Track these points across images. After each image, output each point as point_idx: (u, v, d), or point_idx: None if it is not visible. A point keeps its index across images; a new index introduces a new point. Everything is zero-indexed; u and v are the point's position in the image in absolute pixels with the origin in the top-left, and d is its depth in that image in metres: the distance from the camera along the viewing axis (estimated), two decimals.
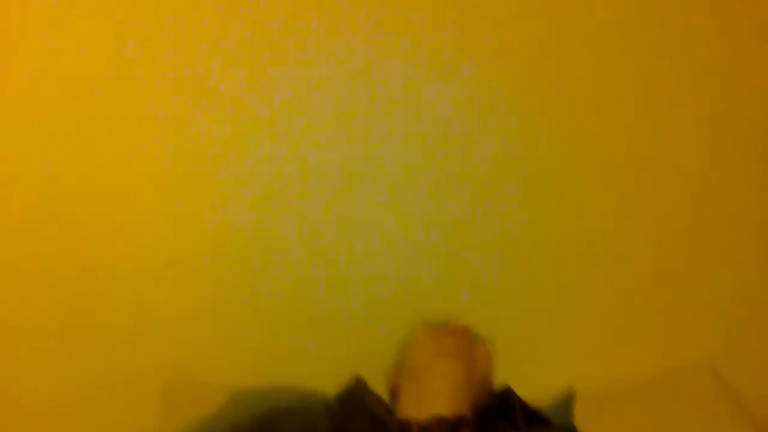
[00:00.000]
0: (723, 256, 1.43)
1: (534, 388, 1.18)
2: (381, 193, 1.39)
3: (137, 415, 1.28)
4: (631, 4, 1.36)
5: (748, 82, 1.39)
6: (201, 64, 1.32)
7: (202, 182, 1.36)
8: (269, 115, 1.35)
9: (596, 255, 1.42)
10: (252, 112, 1.35)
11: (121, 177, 1.35)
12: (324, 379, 1.15)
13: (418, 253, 1.41)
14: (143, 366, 1.35)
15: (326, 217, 1.39)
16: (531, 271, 1.43)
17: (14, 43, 1.30)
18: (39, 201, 1.34)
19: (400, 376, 1.10)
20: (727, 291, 1.42)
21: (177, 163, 1.35)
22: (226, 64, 1.32)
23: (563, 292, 1.43)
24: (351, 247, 1.40)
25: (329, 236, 1.39)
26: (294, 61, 1.33)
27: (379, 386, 1.11)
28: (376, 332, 1.37)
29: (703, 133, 1.41)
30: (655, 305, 1.43)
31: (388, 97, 1.36)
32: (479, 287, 1.42)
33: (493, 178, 1.39)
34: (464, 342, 1.09)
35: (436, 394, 0.99)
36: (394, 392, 1.08)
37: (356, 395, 1.01)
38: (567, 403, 1.27)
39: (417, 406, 0.96)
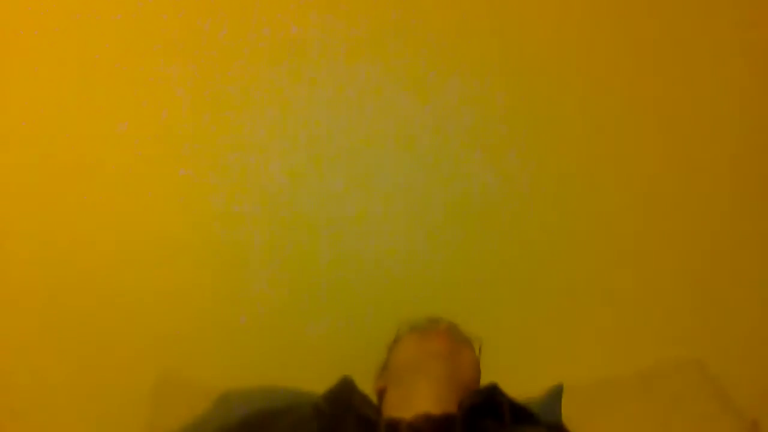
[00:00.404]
0: (710, 254, 1.43)
1: (524, 385, 1.19)
2: (376, 194, 1.39)
3: (127, 416, 1.27)
4: (631, 4, 1.38)
5: (748, 81, 1.40)
6: (209, 67, 1.34)
7: (197, 184, 1.37)
8: (269, 115, 1.36)
9: (586, 254, 1.43)
10: (253, 111, 1.35)
11: (118, 178, 1.35)
12: (313, 380, 1.15)
13: (410, 254, 1.41)
14: (132, 367, 1.34)
15: (320, 217, 1.39)
16: (521, 269, 1.42)
17: (15, 42, 1.31)
18: (38, 200, 1.35)
19: (387, 377, 1.11)
20: (715, 289, 1.43)
21: (178, 168, 1.36)
22: (232, 67, 1.34)
23: (553, 290, 1.42)
24: (342, 247, 1.39)
25: (321, 237, 1.39)
26: (295, 61, 1.35)
27: (367, 387, 1.12)
28: (365, 332, 1.37)
29: (691, 131, 1.41)
30: (643, 303, 1.43)
31: (390, 97, 1.36)
32: (470, 286, 1.42)
33: (485, 180, 1.40)
34: (449, 341, 1.09)
35: (423, 394, 0.99)
36: (380, 394, 1.08)
37: (344, 395, 1.01)
38: (554, 397, 1.28)
39: (404, 406, 0.97)
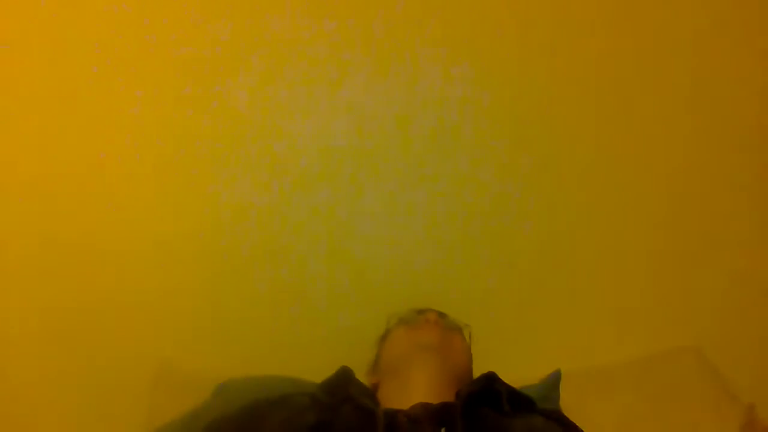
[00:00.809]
0: (708, 241, 1.44)
1: (522, 372, 1.20)
2: (376, 189, 1.39)
3: (125, 407, 1.28)
4: (631, 4, 1.37)
5: (747, 82, 1.41)
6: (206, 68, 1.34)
7: (195, 180, 1.37)
8: (269, 115, 1.36)
9: (583, 241, 1.43)
10: (254, 112, 1.36)
11: (116, 175, 1.36)
12: (311, 370, 1.15)
13: (410, 245, 1.41)
14: (130, 358, 1.34)
15: (318, 211, 1.39)
16: (519, 257, 1.43)
17: (15, 43, 1.31)
18: (37, 199, 1.35)
19: (379, 371, 1.11)
20: (713, 275, 1.43)
21: (172, 162, 1.36)
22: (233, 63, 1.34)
23: (551, 278, 1.43)
24: (341, 240, 1.40)
25: (319, 230, 1.40)
26: (296, 61, 1.35)
27: (365, 377, 1.12)
28: (364, 323, 1.37)
29: (688, 126, 1.42)
30: (641, 289, 1.44)
31: (391, 97, 1.37)
32: (468, 274, 1.42)
33: (485, 172, 1.40)
34: (438, 331, 1.09)
35: (417, 385, 0.99)
36: (374, 389, 1.08)
37: (342, 385, 1.01)
38: (552, 384, 1.28)
39: (399, 398, 0.96)
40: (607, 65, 1.39)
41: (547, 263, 1.43)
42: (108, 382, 1.34)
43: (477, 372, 1.07)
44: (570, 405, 1.22)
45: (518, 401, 1.00)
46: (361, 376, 1.09)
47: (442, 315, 1.16)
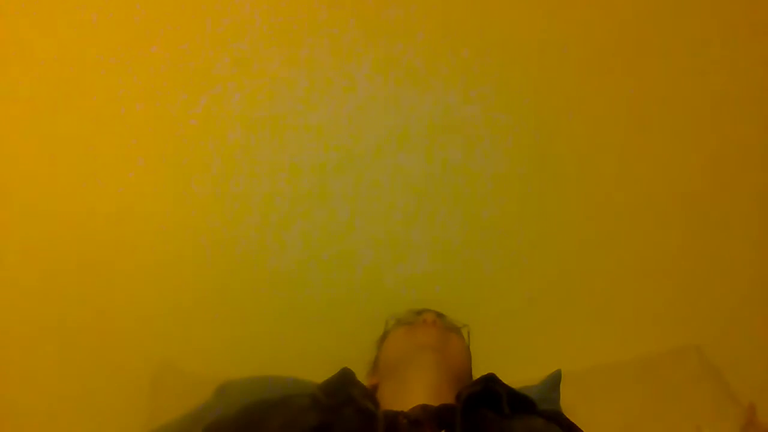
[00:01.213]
0: (708, 242, 1.44)
1: (522, 372, 1.20)
2: (376, 189, 1.39)
3: (125, 407, 1.28)
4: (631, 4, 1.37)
5: (747, 81, 1.41)
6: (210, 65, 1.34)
7: (195, 181, 1.37)
8: (270, 116, 1.36)
9: (584, 240, 1.43)
10: (255, 112, 1.36)
11: (117, 175, 1.36)
12: (311, 371, 1.15)
13: (411, 246, 1.41)
14: (131, 358, 1.35)
15: (318, 212, 1.39)
16: (519, 257, 1.43)
17: (15, 42, 1.31)
18: (37, 199, 1.35)
19: (378, 373, 1.11)
20: (713, 276, 1.43)
21: (174, 163, 1.36)
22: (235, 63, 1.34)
23: (552, 278, 1.43)
24: (341, 241, 1.40)
25: (319, 231, 1.40)
26: (294, 62, 1.35)
27: (365, 378, 1.12)
28: (364, 324, 1.37)
29: (690, 129, 1.42)
30: (641, 289, 1.44)
31: (391, 96, 1.37)
32: (469, 277, 1.42)
33: (487, 174, 1.40)
34: (437, 331, 1.09)
35: (417, 386, 0.99)
36: (374, 389, 1.08)
37: (343, 387, 1.01)
38: (553, 384, 1.28)
39: (399, 400, 0.96)
40: (608, 64, 1.40)
41: (547, 264, 1.43)
42: (108, 383, 1.34)
43: (477, 372, 1.07)
44: (570, 405, 1.22)
45: (518, 402, 1.00)
46: (361, 376, 1.09)
47: (440, 315, 1.16)
